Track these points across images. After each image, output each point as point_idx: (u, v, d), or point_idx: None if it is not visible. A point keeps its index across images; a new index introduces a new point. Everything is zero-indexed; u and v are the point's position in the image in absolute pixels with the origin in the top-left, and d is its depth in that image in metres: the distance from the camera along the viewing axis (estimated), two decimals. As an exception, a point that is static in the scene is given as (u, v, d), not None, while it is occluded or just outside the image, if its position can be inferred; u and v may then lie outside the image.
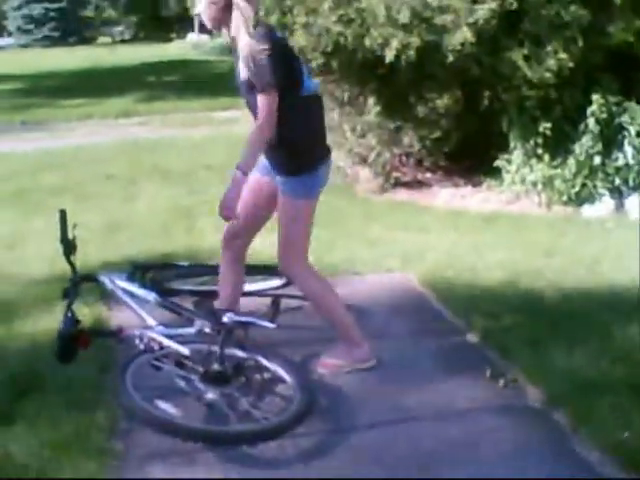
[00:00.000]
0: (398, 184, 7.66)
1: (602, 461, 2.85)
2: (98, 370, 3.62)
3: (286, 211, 3.39)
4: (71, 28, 33.41)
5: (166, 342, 3.16)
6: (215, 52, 25.06)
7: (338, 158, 8.08)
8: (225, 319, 3.16)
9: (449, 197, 7.23)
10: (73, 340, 3.24)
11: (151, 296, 3.49)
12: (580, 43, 6.22)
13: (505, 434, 3.06)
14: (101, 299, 4.40)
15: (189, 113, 13.46)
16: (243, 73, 3.22)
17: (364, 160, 7.71)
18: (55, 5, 33.10)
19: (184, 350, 3.12)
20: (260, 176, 3.48)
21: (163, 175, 8.33)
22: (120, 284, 3.55)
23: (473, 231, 6.04)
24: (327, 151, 3.46)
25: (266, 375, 3.18)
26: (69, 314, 3.31)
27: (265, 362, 3.16)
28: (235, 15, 3.23)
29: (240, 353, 3.16)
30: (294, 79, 3.26)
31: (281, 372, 3.15)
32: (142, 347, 3.21)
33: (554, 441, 3.01)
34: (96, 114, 13.78)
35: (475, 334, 3.98)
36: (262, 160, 3.44)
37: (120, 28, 37.23)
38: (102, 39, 35.21)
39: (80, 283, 3.59)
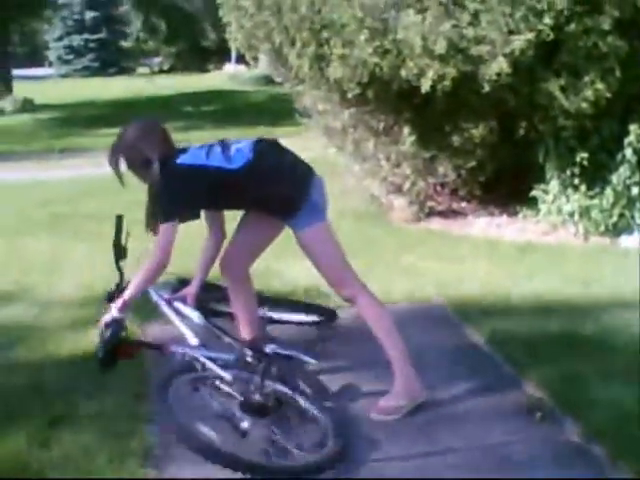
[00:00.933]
0: (433, 213, 7.65)
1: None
2: (132, 398, 3.65)
3: (309, 244, 3.41)
4: (111, 59, 34.00)
5: (209, 364, 3.15)
6: (252, 82, 25.36)
7: (372, 187, 8.12)
8: (267, 350, 3.14)
9: (484, 226, 7.20)
10: (116, 348, 3.13)
11: (194, 315, 3.49)
12: (618, 73, 6.17)
13: (542, 467, 3.02)
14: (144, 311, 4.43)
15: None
16: None
17: (399, 189, 7.71)
18: (95, 36, 33.73)
19: (227, 375, 3.10)
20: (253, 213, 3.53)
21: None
22: (165, 297, 3.56)
23: (508, 261, 6.00)
24: (307, 175, 3.43)
25: (303, 413, 3.14)
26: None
27: (302, 401, 3.10)
28: None
29: (279, 386, 3.09)
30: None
31: (317, 413, 3.08)
32: (183, 366, 3.20)
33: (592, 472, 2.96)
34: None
35: (511, 366, 3.93)
36: None
37: (159, 59, 37.79)
38: (141, 70, 35.76)
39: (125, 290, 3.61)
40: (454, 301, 4.90)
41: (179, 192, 3.20)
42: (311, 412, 3.08)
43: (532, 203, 7.10)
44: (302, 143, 11.25)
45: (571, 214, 6.68)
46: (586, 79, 6.25)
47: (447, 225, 7.36)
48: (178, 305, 3.53)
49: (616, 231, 6.51)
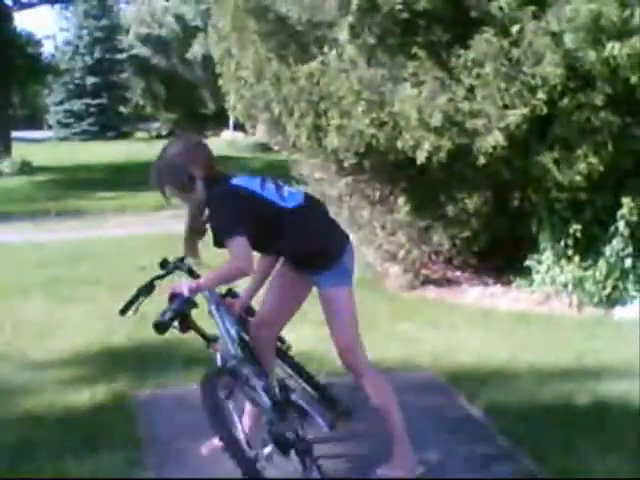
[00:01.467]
0: (427, 281, 7.69)
1: None
2: (126, 464, 3.63)
3: (330, 303, 3.41)
4: (110, 123, 34.40)
5: (255, 381, 3.19)
6: (249, 149, 25.66)
7: (368, 254, 8.17)
8: (293, 397, 3.16)
9: (478, 296, 7.24)
10: (182, 318, 3.21)
11: (233, 329, 3.49)
12: (610, 147, 6.31)
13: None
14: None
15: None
16: None
17: (394, 257, 7.77)
18: (96, 101, 34.20)
19: (266, 401, 3.15)
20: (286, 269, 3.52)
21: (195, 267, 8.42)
22: (216, 299, 3.55)
23: (503, 331, 6.03)
24: (343, 238, 3.48)
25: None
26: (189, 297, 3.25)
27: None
28: None
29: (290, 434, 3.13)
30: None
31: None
32: (229, 370, 3.25)
33: None
34: (130, 207, 14.06)
35: (506, 438, 3.93)
36: None
37: (157, 124, 38.26)
38: (139, 134, 36.17)
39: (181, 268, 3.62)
40: (449, 371, 4.90)
41: (240, 210, 3.21)
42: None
43: (526, 273, 7.16)
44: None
45: (565, 285, 6.74)
46: (579, 153, 6.39)
47: (441, 293, 7.40)
48: (223, 311, 3.52)
49: (610, 302, 6.55)
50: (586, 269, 6.63)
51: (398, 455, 3.46)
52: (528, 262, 7.06)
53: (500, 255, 7.51)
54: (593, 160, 6.36)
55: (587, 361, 5.14)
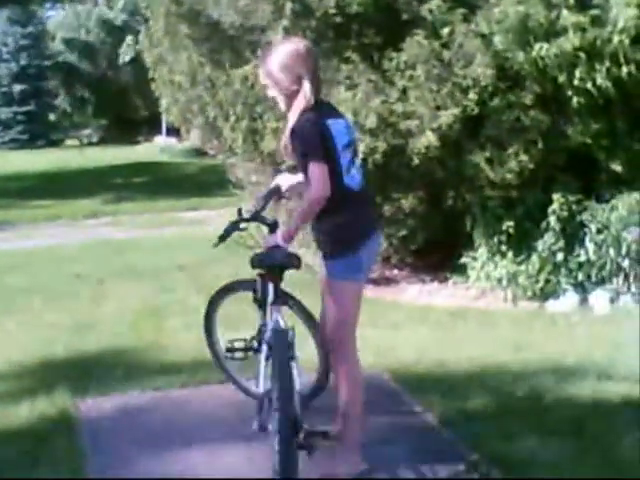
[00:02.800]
0: (366, 281, 7.76)
1: None
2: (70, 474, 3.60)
3: (330, 292, 3.43)
4: (39, 131, 33.71)
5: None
6: (183, 155, 25.45)
7: (306, 256, 8.23)
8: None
9: (416, 293, 7.36)
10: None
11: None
12: (540, 145, 6.51)
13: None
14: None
15: (157, 214, 13.56)
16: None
17: (333, 258, 7.83)
18: (24, 109, 33.48)
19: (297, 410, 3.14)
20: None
21: (132, 275, 8.37)
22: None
23: (441, 327, 6.15)
24: (368, 231, 3.45)
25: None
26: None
27: None
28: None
29: None
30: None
31: None
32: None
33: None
34: (64, 215, 13.83)
35: (448, 429, 4.02)
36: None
37: (88, 131, 37.66)
38: (69, 142, 35.54)
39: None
40: (391, 368, 4.97)
41: (322, 145, 3.25)
42: None
43: (462, 270, 7.31)
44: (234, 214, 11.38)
45: (499, 280, 6.90)
46: (510, 151, 6.57)
47: (380, 292, 7.49)
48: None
49: (543, 296, 6.74)
50: (519, 264, 6.81)
51: (345, 452, 3.51)
52: (463, 259, 7.21)
53: (436, 253, 7.65)
54: (524, 158, 6.54)
55: (523, 353, 5.27)
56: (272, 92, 3.41)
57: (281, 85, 3.33)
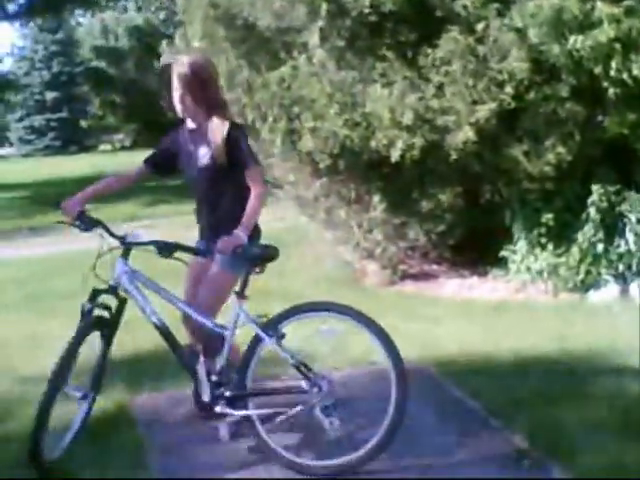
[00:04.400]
0: (405, 276, 7.85)
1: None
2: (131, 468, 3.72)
3: (219, 283, 3.81)
4: (72, 137, 34.22)
5: None
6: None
7: (345, 253, 8.33)
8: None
9: (456, 288, 7.41)
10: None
11: None
12: (577, 137, 6.52)
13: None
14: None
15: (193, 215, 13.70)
16: (206, 159, 3.80)
17: (371, 254, 7.92)
18: (56, 115, 34.00)
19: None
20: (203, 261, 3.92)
21: (178, 274, 8.49)
22: None
23: (484, 320, 6.20)
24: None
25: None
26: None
27: None
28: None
29: None
30: None
31: None
32: None
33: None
34: (103, 219, 14.00)
35: (497, 420, 4.08)
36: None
37: (120, 136, 38.11)
38: (102, 147, 36.03)
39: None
40: (436, 361, 5.05)
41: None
42: None
43: (501, 263, 7.35)
44: (275, 214, 11.49)
45: (540, 272, 6.93)
46: (547, 144, 6.58)
47: (420, 288, 7.56)
48: None
49: (584, 287, 6.75)
50: (559, 256, 6.83)
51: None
52: (503, 252, 7.24)
53: (475, 247, 7.68)
54: (561, 150, 6.55)
55: (567, 344, 5.32)
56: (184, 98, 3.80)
57: (210, 94, 3.81)
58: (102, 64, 37.37)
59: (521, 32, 6.30)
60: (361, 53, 6.95)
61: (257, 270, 3.63)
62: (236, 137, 3.75)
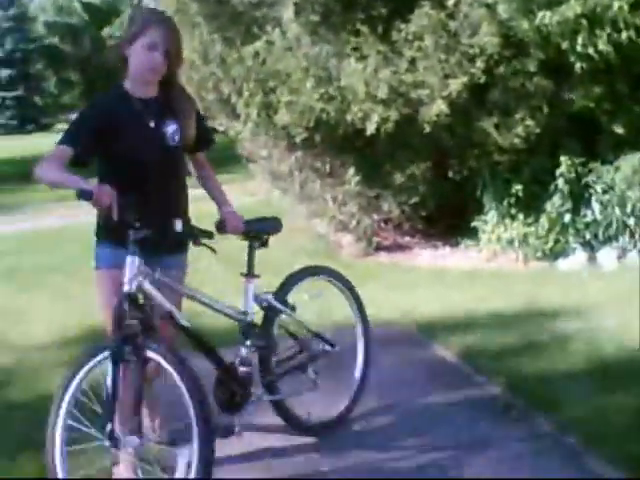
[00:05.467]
0: (380, 248, 8.05)
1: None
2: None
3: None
4: (28, 116, 33.76)
5: None
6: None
7: (320, 226, 8.51)
8: None
9: (430, 258, 7.64)
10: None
11: None
12: (545, 110, 6.75)
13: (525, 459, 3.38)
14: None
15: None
16: (177, 137, 3.07)
17: (346, 227, 8.10)
18: (12, 94, 33.49)
19: None
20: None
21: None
22: None
23: (458, 287, 6.43)
24: None
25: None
26: None
27: None
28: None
29: None
30: None
31: None
32: None
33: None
34: (70, 196, 13.93)
35: (481, 375, 4.31)
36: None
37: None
38: (60, 126, 35.55)
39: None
40: (418, 322, 5.29)
41: None
42: None
43: (473, 234, 7.58)
44: (247, 188, 11.60)
45: (510, 241, 7.18)
46: (517, 117, 6.81)
47: (394, 259, 7.77)
48: None
49: (553, 255, 7.02)
50: (529, 225, 7.09)
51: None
52: (474, 223, 7.48)
53: (447, 219, 7.92)
54: (530, 123, 6.79)
55: (540, 305, 5.58)
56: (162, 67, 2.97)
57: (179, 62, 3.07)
58: (55, 41, 36.85)
59: (491, 8, 6.50)
60: (335, 28, 7.10)
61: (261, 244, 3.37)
62: (199, 112, 3.27)
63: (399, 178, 7.59)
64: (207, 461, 2.72)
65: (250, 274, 3.38)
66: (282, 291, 3.58)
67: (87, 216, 10.73)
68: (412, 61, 6.79)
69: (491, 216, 7.30)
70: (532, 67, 6.67)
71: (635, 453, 3.24)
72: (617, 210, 6.81)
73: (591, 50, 6.26)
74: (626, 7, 5.98)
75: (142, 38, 2.92)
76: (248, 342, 3.34)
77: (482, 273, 6.88)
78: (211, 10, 7.65)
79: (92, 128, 2.94)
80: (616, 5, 5.97)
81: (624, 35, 6.08)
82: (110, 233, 3.04)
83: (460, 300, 5.87)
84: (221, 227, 3.22)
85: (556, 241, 6.99)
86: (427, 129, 6.76)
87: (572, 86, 6.73)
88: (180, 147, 3.09)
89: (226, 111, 8.04)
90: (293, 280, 3.66)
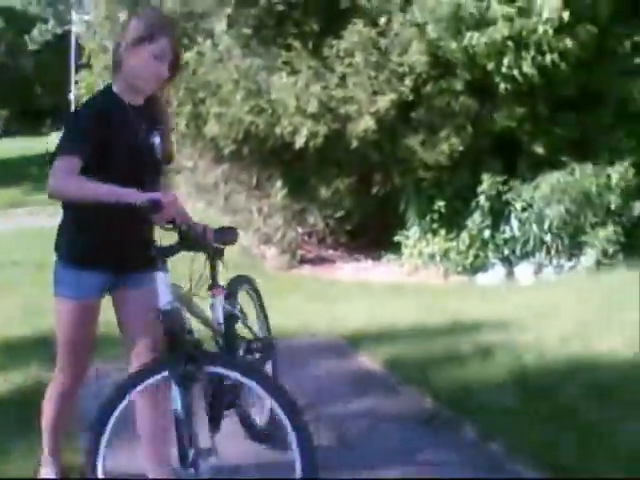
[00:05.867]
0: (303, 261, 8.12)
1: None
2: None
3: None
4: (-60, 123, 32.63)
5: None
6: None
7: (244, 238, 8.51)
8: None
9: (352, 271, 7.74)
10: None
11: None
12: (469, 129, 6.96)
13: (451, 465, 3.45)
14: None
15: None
16: (160, 149, 2.80)
17: (270, 239, 8.14)
18: None
19: None
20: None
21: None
22: None
23: (381, 299, 6.53)
24: None
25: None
26: None
27: None
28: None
29: None
30: None
31: None
32: None
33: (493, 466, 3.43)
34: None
35: (406, 384, 4.39)
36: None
37: (-10, 123, 36.62)
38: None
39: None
40: (344, 335, 5.33)
41: None
42: None
43: (395, 248, 7.73)
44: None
45: (432, 256, 7.35)
46: (442, 134, 7.00)
47: (317, 272, 7.85)
48: None
49: (473, 270, 7.22)
50: (450, 241, 7.27)
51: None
52: (397, 238, 7.62)
53: (370, 233, 8.04)
54: (454, 141, 7.00)
55: (462, 318, 5.70)
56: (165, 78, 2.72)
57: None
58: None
59: (421, 27, 6.68)
60: (267, 41, 7.17)
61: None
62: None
63: (324, 192, 7.69)
64: (315, 461, 2.57)
65: (217, 286, 3.19)
66: (232, 299, 3.56)
67: (3, 226, 10.57)
68: (342, 77, 6.92)
69: (414, 231, 7.45)
70: (458, 86, 6.87)
71: (555, 459, 3.34)
72: (535, 227, 7.05)
73: (516, 72, 6.51)
74: (550, 31, 6.22)
75: (149, 45, 2.64)
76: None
77: (404, 287, 7.00)
78: (141, 18, 7.60)
79: (92, 135, 2.61)
80: (541, 29, 6.21)
81: (548, 58, 6.33)
82: (87, 255, 2.73)
83: (383, 313, 5.96)
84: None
85: (476, 256, 7.18)
86: (354, 144, 6.87)
87: (496, 106, 6.96)
88: (160, 160, 2.83)
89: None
90: (235, 288, 3.66)
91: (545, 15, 6.22)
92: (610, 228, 7.00)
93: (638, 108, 7.00)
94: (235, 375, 2.63)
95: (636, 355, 4.54)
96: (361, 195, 7.74)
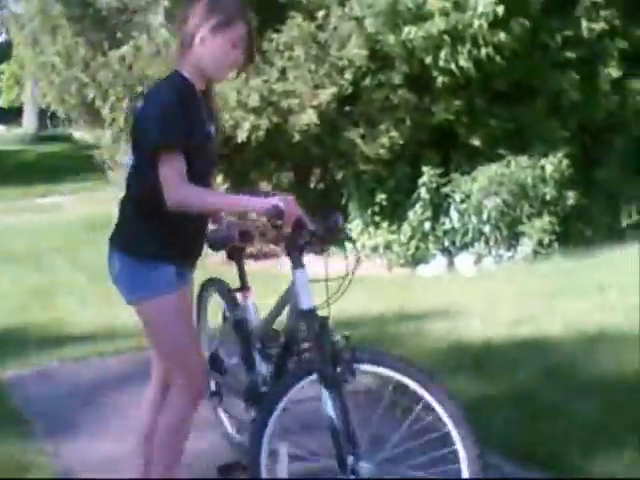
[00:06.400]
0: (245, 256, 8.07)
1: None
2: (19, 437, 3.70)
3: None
4: None
5: None
6: (17, 142, 24.55)
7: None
8: None
9: (295, 265, 7.74)
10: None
11: None
12: (408, 122, 7.05)
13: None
14: None
15: (8, 202, 13.26)
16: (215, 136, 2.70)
17: (211, 235, 8.08)
18: None
19: None
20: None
21: (11, 258, 8.30)
22: None
23: (323, 291, 6.54)
24: None
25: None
26: None
27: None
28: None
29: None
30: None
31: None
32: None
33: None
34: (19, 196, 13.79)
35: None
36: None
37: None
38: None
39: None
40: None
41: None
42: None
43: (338, 241, 7.75)
44: (95, 197, 11.32)
45: (374, 248, 7.42)
46: (382, 128, 7.07)
47: (261, 266, 7.82)
48: None
49: (415, 261, 7.32)
50: (392, 233, 7.35)
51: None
52: (339, 231, 7.66)
53: (312, 227, 8.06)
54: (394, 134, 7.07)
55: (406, 308, 5.78)
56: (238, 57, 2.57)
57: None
58: None
59: (359, 21, 6.73)
60: (205, 35, 7.10)
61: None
62: None
63: (265, 186, 7.68)
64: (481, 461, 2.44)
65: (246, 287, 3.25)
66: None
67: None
68: (283, 71, 6.93)
69: (356, 224, 7.51)
70: (397, 80, 6.95)
71: (518, 442, 3.43)
72: (473, 218, 7.19)
73: (453, 65, 6.61)
74: (485, 25, 6.35)
75: (228, 31, 2.48)
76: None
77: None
78: (75, 12, 7.47)
79: (183, 125, 2.45)
80: (476, 23, 6.33)
81: (483, 52, 6.45)
82: (165, 248, 2.59)
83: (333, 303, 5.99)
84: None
85: (417, 248, 7.28)
86: (296, 138, 6.89)
87: (434, 100, 7.07)
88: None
89: (89, 116, 7.85)
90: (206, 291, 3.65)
91: (480, 9, 6.33)
92: (546, 218, 7.18)
93: (570, 100, 7.20)
94: (387, 372, 2.51)
95: (580, 337, 4.69)
96: (302, 189, 7.75)
